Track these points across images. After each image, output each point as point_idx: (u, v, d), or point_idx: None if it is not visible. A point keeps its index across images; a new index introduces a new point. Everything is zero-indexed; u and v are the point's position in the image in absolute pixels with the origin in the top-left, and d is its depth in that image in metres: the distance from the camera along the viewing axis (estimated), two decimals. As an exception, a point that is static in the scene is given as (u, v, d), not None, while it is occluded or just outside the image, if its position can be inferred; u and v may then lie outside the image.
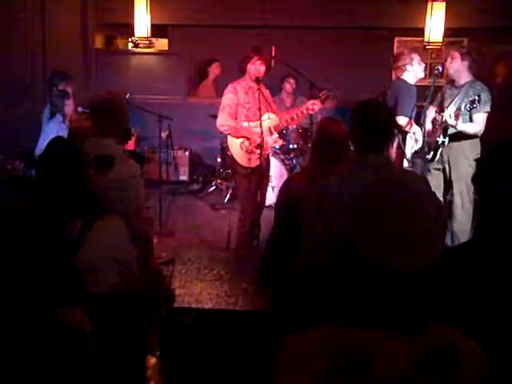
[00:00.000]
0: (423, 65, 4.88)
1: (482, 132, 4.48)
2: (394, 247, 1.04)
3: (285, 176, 6.20)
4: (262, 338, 2.44)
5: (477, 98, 4.26)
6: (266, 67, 4.46)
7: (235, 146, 4.57)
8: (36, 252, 1.48)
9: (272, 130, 4.55)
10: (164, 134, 6.38)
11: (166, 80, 7.56)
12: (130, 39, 8.00)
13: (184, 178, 7.32)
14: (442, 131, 4.54)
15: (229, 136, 4.57)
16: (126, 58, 7.83)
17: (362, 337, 1.05)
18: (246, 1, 7.53)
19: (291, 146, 6.64)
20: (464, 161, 4.50)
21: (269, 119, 4.53)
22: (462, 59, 4.50)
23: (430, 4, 6.57)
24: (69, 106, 4.61)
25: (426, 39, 6.68)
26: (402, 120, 4.55)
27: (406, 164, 4.50)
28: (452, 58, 4.55)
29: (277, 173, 6.26)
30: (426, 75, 5.12)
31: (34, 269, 1.46)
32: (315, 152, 2.91)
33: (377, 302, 1.06)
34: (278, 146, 6.15)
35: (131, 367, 2.24)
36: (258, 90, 4.34)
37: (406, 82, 4.78)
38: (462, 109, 4.35)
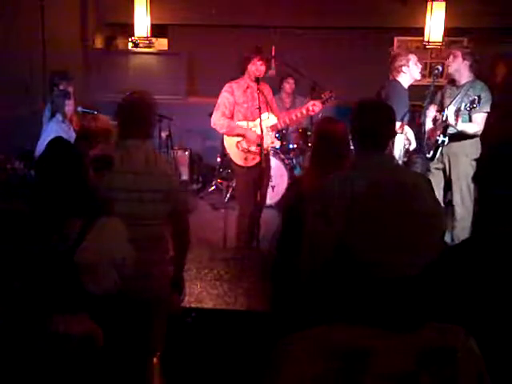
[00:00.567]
0: (420, 66, 4.82)
1: (481, 131, 4.48)
2: (390, 247, 1.04)
3: (285, 176, 6.20)
4: (262, 337, 2.44)
5: (477, 98, 4.25)
6: (266, 67, 4.46)
7: (231, 145, 4.57)
8: (27, 251, 1.48)
9: (269, 129, 4.55)
10: (164, 134, 6.38)
11: (166, 80, 7.56)
12: (129, 39, 8.01)
13: (184, 177, 7.31)
14: (442, 130, 4.54)
15: (225, 136, 4.58)
16: (125, 57, 7.84)
17: (361, 336, 1.05)
18: (246, 1, 7.53)
19: (291, 146, 6.64)
20: (464, 160, 4.50)
21: (267, 119, 4.53)
22: (464, 58, 4.49)
23: (429, 4, 6.58)
24: (69, 106, 4.60)
25: (425, 39, 6.68)
26: None
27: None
28: (454, 57, 4.53)
29: (277, 173, 6.26)
30: (425, 75, 5.11)
31: (28, 271, 1.46)
32: (315, 152, 2.89)
33: (374, 302, 1.06)
34: (277, 146, 6.16)
35: (132, 367, 2.24)
36: (258, 89, 4.34)
37: (400, 84, 4.72)
38: (462, 108, 4.35)
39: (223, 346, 2.67)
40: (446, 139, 4.54)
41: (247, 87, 4.50)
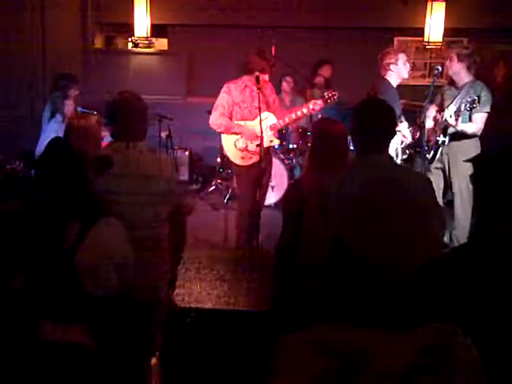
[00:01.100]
0: (409, 66, 4.74)
1: (480, 132, 4.48)
2: (387, 246, 1.04)
3: (285, 176, 6.20)
4: (262, 337, 2.44)
5: (477, 98, 4.25)
6: (269, 75, 4.46)
7: (229, 144, 4.57)
8: (23, 251, 1.48)
9: (268, 128, 4.54)
10: (164, 134, 6.38)
11: (166, 80, 7.56)
12: (129, 39, 8.01)
13: (184, 177, 7.32)
14: (442, 131, 4.54)
15: (222, 135, 4.58)
16: (125, 57, 7.84)
17: (359, 336, 1.05)
18: (246, 1, 7.53)
19: (291, 146, 6.64)
20: (463, 159, 4.50)
21: (266, 118, 4.53)
22: (459, 61, 4.48)
23: (429, 4, 6.57)
24: (69, 107, 4.60)
25: (425, 39, 6.68)
26: None
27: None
28: (450, 60, 4.54)
29: (277, 173, 6.25)
30: (425, 75, 5.11)
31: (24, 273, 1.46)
32: (314, 153, 2.88)
33: (372, 301, 1.06)
34: (277, 146, 6.15)
35: (131, 368, 2.24)
36: (259, 89, 4.33)
37: (388, 82, 4.65)
38: (462, 109, 4.35)
39: (223, 346, 2.67)
40: (447, 139, 4.54)
41: (245, 87, 4.50)
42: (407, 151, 4.68)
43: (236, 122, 4.50)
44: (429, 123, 4.66)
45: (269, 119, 4.56)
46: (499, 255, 1.54)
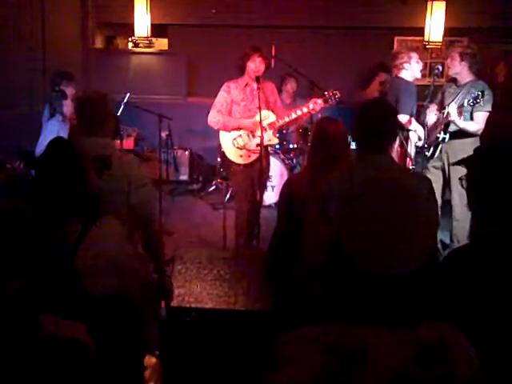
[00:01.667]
0: (421, 64, 4.88)
1: (481, 131, 4.48)
2: (384, 245, 1.04)
3: (285, 176, 6.21)
4: (262, 337, 2.44)
5: (480, 93, 4.25)
6: (265, 65, 4.45)
7: (227, 142, 4.57)
8: (24, 249, 1.47)
9: (267, 128, 4.54)
10: (164, 134, 6.38)
11: (166, 80, 7.56)
12: (129, 39, 8.01)
13: (184, 177, 7.32)
14: (442, 128, 4.54)
15: (221, 132, 4.58)
16: (125, 57, 7.84)
17: (359, 334, 1.06)
18: (246, 1, 7.53)
19: (291, 146, 6.64)
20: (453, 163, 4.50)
21: (265, 117, 4.52)
22: (462, 59, 4.49)
23: (429, 4, 6.57)
24: (67, 106, 4.60)
25: (426, 39, 6.67)
26: (402, 118, 4.54)
27: (409, 162, 4.51)
28: (451, 59, 4.54)
29: (277, 172, 6.26)
30: (425, 75, 5.12)
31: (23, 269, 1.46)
32: (314, 152, 2.90)
33: (369, 299, 1.07)
34: (277, 146, 6.16)
35: (129, 367, 2.24)
36: (259, 88, 4.33)
37: (404, 79, 4.79)
38: (465, 104, 4.35)
39: (223, 346, 2.66)
40: (447, 136, 4.54)
41: (246, 85, 4.49)
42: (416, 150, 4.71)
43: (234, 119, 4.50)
44: (430, 122, 4.67)
45: (269, 118, 4.56)
46: (498, 255, 1.54)
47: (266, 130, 4.51)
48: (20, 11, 5.68)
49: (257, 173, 4.42)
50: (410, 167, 4.60)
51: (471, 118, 4.48)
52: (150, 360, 2.82)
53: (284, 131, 6.43)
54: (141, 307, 2.44)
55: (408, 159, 4.56)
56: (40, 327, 1.46)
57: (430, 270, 1.11)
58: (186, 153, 7.33)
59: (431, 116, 4.65)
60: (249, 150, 4.51)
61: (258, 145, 4.42)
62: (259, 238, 4.39)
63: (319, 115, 5.13)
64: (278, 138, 5.70)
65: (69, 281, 1.86)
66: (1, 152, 3.95)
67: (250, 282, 2.94)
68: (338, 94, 4.47)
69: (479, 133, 4.48)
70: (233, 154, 4.56)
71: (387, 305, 1.07)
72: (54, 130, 4.41)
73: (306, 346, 1.07)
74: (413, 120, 4.67)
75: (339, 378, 1.03)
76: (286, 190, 2.93)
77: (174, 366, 2.75)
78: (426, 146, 4.64)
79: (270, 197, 6.10)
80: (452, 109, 4.40)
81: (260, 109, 4.29)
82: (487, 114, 4.45)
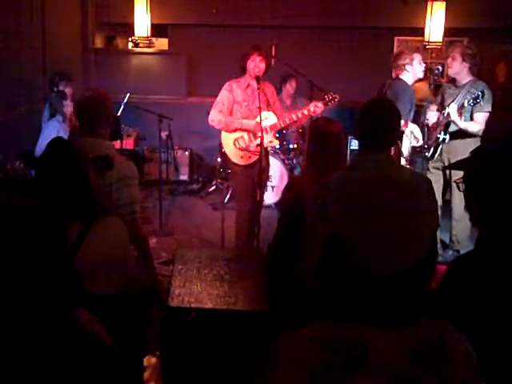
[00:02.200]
0: (424, 65, 4.87)
1: (482, 131, 4.48)
2: (383, 244, 1.04)
3: (285, 176, 6.21)
4: (262, 337, 2.44)
5: (480, 93, 4.25)
6: (265, 65, 4.44)
7: (229, 143, 4.57)
8: (38, 249, 1.48)
9: (268, 129, 4.54)
10: (164, 134, 6.38)
11: (166, 80, 7.56)
12: (129, 39, 8.01)
13: (184, 177, 7.32)
14: (442, 128, 4.54)
15: (223, 133, 4.58)
16: (125, 57, 7.84)
17: (356, 333, 1.06)
18: (246, 1, 7.53)
19: (291, 146, 6.64)
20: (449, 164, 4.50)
21: (266, 118, 4.52)
22: (463, 60, 4.50)
23: (430, 4, 6.58)
24: (67, 107, 4.61)
25: (426, 39, 6.69)
26: None
27: (403, 162, 4.51)
28: (452, 59, 4.54)
29: (277, 173, 6.26)
30: (426, 75, 5.12)
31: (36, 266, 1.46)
32: (312, 152, 2.88)
33: (368, 298, 1.07)
34: (277, 146, 6.16)
35: (129, 367, 2.24)
36: (259, 89, 4.33)
37: (404, 82, 4.78)
38: (466, 105, 4.35)
39: (223, 346, 2.66)
40: (447, 137, 4.54)
41: (247, 86, 4.49)
42: (413, 151, 4.71)
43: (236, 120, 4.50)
44: (431, 120, 4.68)
45: (269, 119, 4.56)
46: (502, 258, 1.54)
47: (267, 131, 4.51)
48: (20, 11, 5.68)
49: (257, 173, 4.42)
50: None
51: (471, 119, 4.48)
52: (150, 360, 2.83)
53: (284, 131, 6.43)
54: (142, 307, 2.45)
55: (403, 159, 4.56)
56: (76, 320, 1.47)
57: (429, 268, 1.11)
58: (186, 153, 7.33)
59: (431, 116, 4.66)
60: (249, 151, 4.51)
61: (257, 145, 4.42)
62: (259, 238, 4.39)
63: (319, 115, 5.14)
64: (278, 138, 5.70)
65: (68, 281, 1.86)
66: (1, 152, 3.94)
67: (250, 281, 2.94)
68: (338, 98, 4.48)
69: (480, 133, 4.49)
70: (234, 155, 4.56)
71: (386, 303, 1.07)
72: (53, 130, 4.41)
73: (304, 346, 1.07)
74: (409, 122, 4.66)
75: (338, 376, 1.03)
76: (288, 193, 2.92)
77: (174, 366, 2.75)
78: (426, 146, 4.64)
79: (270, 197, 6.10)
80: (452, 109, 4.40)
81: (260, 109, 4.29)
82: (487, 114, 4.45)
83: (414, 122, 4.74)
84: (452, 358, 1.07)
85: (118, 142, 5.38)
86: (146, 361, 2.67)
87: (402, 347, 1.05)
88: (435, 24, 6.56)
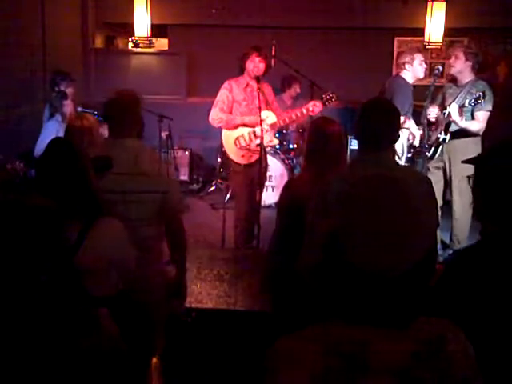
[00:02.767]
0: (425, 66, 4.87)
1: (483, 130, 4.48)
2: (383, 244, 1.04)
3: (285, 176, 6.21)
4: (262, 338, 2.44)
5: (481, 93, 4.25)
6: (265, 65, 4.45)
7: (230, 142, 4.57)
8: (45, 247, 1.49)
9: (268, 128, 4.54)
10: (164, 134, 6.37)
11: (166, 80, 7.56)
12: (130, 39, 8.01)
13: (184, 177, 7.32)
14: (443, 128, 4.54)
15: (223, 132, 4.58)
16: (126, 57, 7.84)
17: (358, 334, 1.06)
18: (246, 1, 7.53)
19: (291, 146, 6.64)
20: (464, 158, 4.48)
21: (267, 117, 4.53)
22: (467, 59, 4.50)
23: (430, 4, 6.58)
24: (67, 107, 4.61)
25: (426, 39, 6.68)
26: None
27: (396, 159, 4.51)
28: (456, 58, 4.54)
29: (277, 173, 6.26)
30: (426, 75, 5.12)
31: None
32: (311, 152, 2.88)
33: (368, 299, 1.07)
34: (277, 146, 6.16)
35: (134, 368, 2.24)
36: (259, 88, 4.33)
37: (403, 79, 4.79)
38: (467, 104, 4.35)
39: (223, 346, 2.66)
40: (448, 137, 4.54)
41: (247, 85, 4.49)
42: (411, 150, 4.71)
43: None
44: (430, 117, 4.68)
45: (269, 118, 4.56)
46: (503, 255, 1.54)
47: (267, 130, 4.51)
48: (20, 11, 5.68)
49: (256, 173, 4.42)
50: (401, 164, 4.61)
51: (472, 118, 4.48)
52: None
53: (284, 131, 6.43)
54: (147, 308, 2.44)
55: (395, 157, 4.56)
56: (98, 319, 1.48)
57: (429, 268, 1.11)
58: (186, 153, 7.33)
59: (432, 112, 4.65)
60: (250, 150, 4.51)
61: (257, 145, 4.42)
62: (259, 238, 4.39)
63: (319, 114, 5.14)
64: (278, 138, 5.70)
65: (69, 281, 1.86)
66: (1, 152, 3.94)
67: (250, 282, 2.94)
68: (335, 97, 4.50)
69: (481, 132, 4.48)
70: (235, 154, 4.56)
71: (386, 304, 1.07)
72: (53, 130, 4.41)
73: (306, 348, 1.06)
74: (407, 120, 4.67)
75: (340, 379, 1.02)
76: (286, 192, 2.92)
77: (174, 366, 2.75)
78: (426, 146, 4.64)
79: (270, 197, 6.10)
80: (453, 109, 4.40)
81: (260, 109, 4.29)
82: (488, 113, 4.45)
83: (416, 118, 4.75)
84: (452, 356, 1.07)
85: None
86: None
87: (403, 348, 1.05)
88: (435, 24, 6.55)
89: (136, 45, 7.03)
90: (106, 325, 1.51)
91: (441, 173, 4.74)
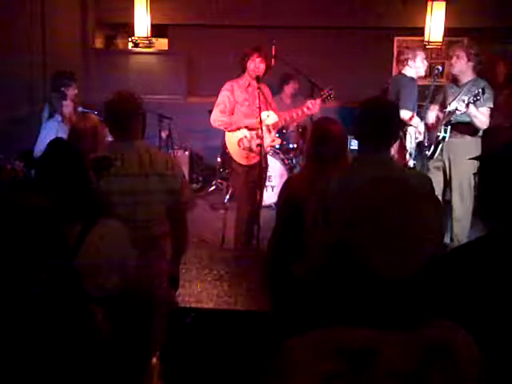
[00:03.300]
0: (426, 63, 4.90)
1: (486, 126, 4.46)
2: (389, 246, 1.03)
3: (285, 176, 6.21)
4: (262, 338, 2.44)
5: (481, 90, 4.26)
6: (265, 65, 4.45)
7: (233, 143, 4.57)
8: (46, 246, 1.49)
9: (271, 128, 4.54)
10: (164, 134, 6.38)
11: (166, 80, 7.56)
12: (129, 39, 8.01)
13: (184, 177, 7.31)
14: (443, 127, 4.54)
15: (226, 133, 4.58)
16: (125, 57, 7.84)
17: (366, 336, 1.05)
18: (246, 1, 7.52)
19: (291, 146, 6.64)
20: (465, 158, 4.48)
21: (268, 117, 4.53)
22: (468, 60, 4.51)
23: (429, 4, 6.57)
24: (67, 107, 4.61)
25: (426, 39, 6.68)
26: (404, 113, 4.52)
27: (407, 157, 4.51)
28: (457, 58, 4.54)
29: (277, 173, 6.26)
30: (426, 75, 5.13)
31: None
32: (312, 152, 2.88)
33: (375, 301, 1.06)
34: (277, 146, 6.15)
35: (133, 368, 2.24)
36: (259, 88, 4.33)
37: (406, 75, 4.81)
38: (466, 101, 4.35)
39: (223, 347, 2.66)
40: (447, 135, 4.54)
41: (248, 85, 4.49)
42: (417, 146, 4.72)
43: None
44: (429, 121, 4.68)
45: (270, 118, 4.56)
46: (501, 254, 1.54)
47: (270, 131, 4.52)
48: (20, 11, 5.68)
49: (257, 173, 4.42)
50: (411, 162, 4.61)
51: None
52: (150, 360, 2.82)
53: (284, 131, 6.43)
54: (147, 308, 2.44)
55: (407, 155, 4.56)
56: (94, 316, 1.49)
57: (436, 270, 1.10)
58: (186, 153, 7.32)
59: (430, 117, 4.66)
60: (253, 151, 4.50)
61: (258, 145, 4.42)
62: (259, 238, 4.39)
63: (319, 115, 5.14)
64: (278, 137, 5.70)
65: (69, 282, 1.86)
66: (1, 152, 3.94)
67: (250, 282, 2.94)
68: (333, 93, 4.52)
69: (484, 127, 4.46)
70: (238, 155, 4.55)
71: (394, 306, 1.06)
72: (52, 130, 4.41)
73: (313, 350, 1.05)
74: (415, 115, 4.67)
75: (348, 381, 1.02)
76: (285, 190, 2.92)
77: (174, 366, 2.75)
78: (426, 145, 4.64)
79: (270, 197, 6.10)
80: (453, 106, 4.37)
81: (260, 109, 4.29)
82: (489, 109, 4.45)
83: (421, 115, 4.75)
84: (460, 359, 1.06)
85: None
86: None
87: (412, 351, 1.04)
88: (435, 24, 6.55)
89: (136, 45, 7.03)
90: (102, 326, 1.51)
91: (441, 172, 4.73)
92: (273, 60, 4.95)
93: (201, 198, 6.91)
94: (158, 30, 7.52)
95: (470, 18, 7.12)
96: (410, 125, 4.63)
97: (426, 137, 4.62)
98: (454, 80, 4.70)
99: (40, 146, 4.25)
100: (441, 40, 6.60)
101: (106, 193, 2.35)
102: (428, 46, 6.73)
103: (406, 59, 4.81)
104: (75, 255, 1.92)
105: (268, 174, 5.43)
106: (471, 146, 4.48)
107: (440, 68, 4.69)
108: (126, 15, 6.94)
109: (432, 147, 4.64)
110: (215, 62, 7.36)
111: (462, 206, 4.63)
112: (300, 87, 6.70)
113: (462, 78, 4.58)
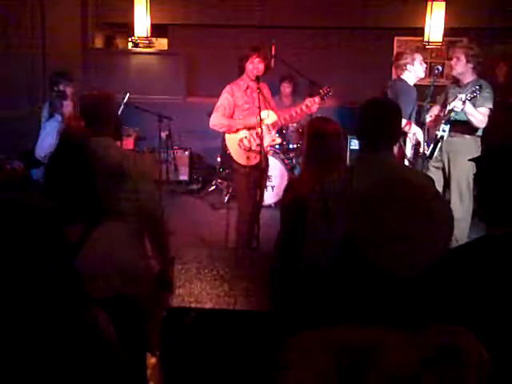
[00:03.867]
0: (425, 65, 4.89)
1: (484, 126, 4.46)
2: (395, 246, 1.03)
3: (285, 176, 6.21)
4: (262, 338, 2.44)
5: (477, 87, 4.25)
6: (264, 66, 4.45)
7: (233, 144, 4.56)
8: (50, 247, 1.49)
9: (270, 127, 4.54)
10: (164, 134, 6.38)
11: (166, 80, 7.56)
12: (129, 39, 8.01)
13: (184, 177, 7.32)
14: (442, 125, 4.54)
15: (227, 135, 4.57)
16: (125, 57, 7.84)
17: (369, 335, 1.05)
18: (246, 1, 7.53)
19: (291, 146, 6.64)
20: (464, 158, 4.49)
21: (267, 117, 4.52)
22: (468, 61, 4.51)
23: (429, 4, 6.57)
24: (66, 107, 4.61)
25: (425, 39, 6.68)
26: None
27: (406, 163, 4.50)
28: (457, 60, 4.55)
29: (277, 173, 6.26)
30: (426, 75, 5.13)
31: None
32: (310, 152, 2.87)
33: (380, 300, 1.06)
34: (278, 146, 6.15)
35: (132, 368, 2.24)
36: (258, 88, 4.33)
37: (405, 82, 4.79)
38: (463, 99, 4.35)
39: (223, 347, 2.66)
40: (446, 134, 4.53)
41: (247, 87, 4.49)
42: (416, 155, 4.71)
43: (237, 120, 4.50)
44: (429, 121, 4.68)
45: (269, 117, 4.56)
46: (501, 255, 1.54)
47: (270, 130, 4.52)
48: (20, 11, 5.68)
49: (258, 174, 4.42)
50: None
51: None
52: (150, 360, 2.82)
53: (284, 131, 6.43)
54: (145, 309, 2.44)
55: (407, 161, 4.56)
56: (95, 318, 1.49)
57: (436, 270, 1.10)
58: (186, 153, 7.33)
59: (431, 116, 4.65)
60: (253, 152, 4.50)
61: (257, 145, 4.42)
62: (259, 238, 4.39)
63: (319, 114, 5.14)
64: (278, 137, 5.70)
65: (70, 283, 1.86)
66: (1, 152, 3.95)
67: (250, 282, 2.94)
68: (331, 91, 4.52)
69: (482, 126, 4.46)
70: (239, 156, 4.55)
71: (399, 306, 1.06)
72: (53, 130, 4.40)
73: (316, 348, 1.06)
74: (412, 124, 4.66)
75: (350, 379, 1.02)
76: (289, 194, 2.89)
77: (174, 366, 2.75)
78: (424, 145, 4.64)
79: (270, 197, 6.10)
80: (456, 103, 4.37)
81: (260, 108, 4.29)
82: (488, 110, 4.44)
83: (418, 121, 4.74)
84: (466, 364, 1.06)
85: (118, 142, 5.37)
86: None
87: (414, 353, 1.04)
88: (435, 24, 6.55)
89: (136, 45, 7.03)
90: (104, 328, 1.51)
91: (440, 172, 4.73)
92: (273, 60, 4.95)
93: (201, 198, 6.92)
94: (157, 30, 7.52)
95: (470, 18, 7.12)
96: (407, 132, 4.62)
97: (426, 137, 4.61)
98: (456, 81, 4.70)
99: (40, 147, 4.25)
100: (441, 40, 6.60)
101: None
102: (428, 46, 6.73)
103: (405, 64, 4.78)
104: (76, 256, 1.92)
105: (268, 173, 5.44)
106: (470, 145, 4.48)
107: (440, 68, 4.69)
108: (125, 15, 6.94)
109: (431, 146, 4.64)
110: (215, 62, 7.37)
111: (462, 206, 4.63)
112: (299, 87, 6.71)
113: (463, 79, 4.59)
